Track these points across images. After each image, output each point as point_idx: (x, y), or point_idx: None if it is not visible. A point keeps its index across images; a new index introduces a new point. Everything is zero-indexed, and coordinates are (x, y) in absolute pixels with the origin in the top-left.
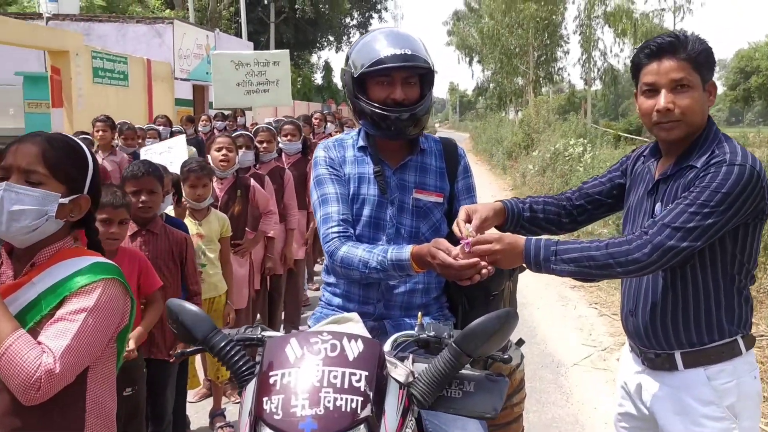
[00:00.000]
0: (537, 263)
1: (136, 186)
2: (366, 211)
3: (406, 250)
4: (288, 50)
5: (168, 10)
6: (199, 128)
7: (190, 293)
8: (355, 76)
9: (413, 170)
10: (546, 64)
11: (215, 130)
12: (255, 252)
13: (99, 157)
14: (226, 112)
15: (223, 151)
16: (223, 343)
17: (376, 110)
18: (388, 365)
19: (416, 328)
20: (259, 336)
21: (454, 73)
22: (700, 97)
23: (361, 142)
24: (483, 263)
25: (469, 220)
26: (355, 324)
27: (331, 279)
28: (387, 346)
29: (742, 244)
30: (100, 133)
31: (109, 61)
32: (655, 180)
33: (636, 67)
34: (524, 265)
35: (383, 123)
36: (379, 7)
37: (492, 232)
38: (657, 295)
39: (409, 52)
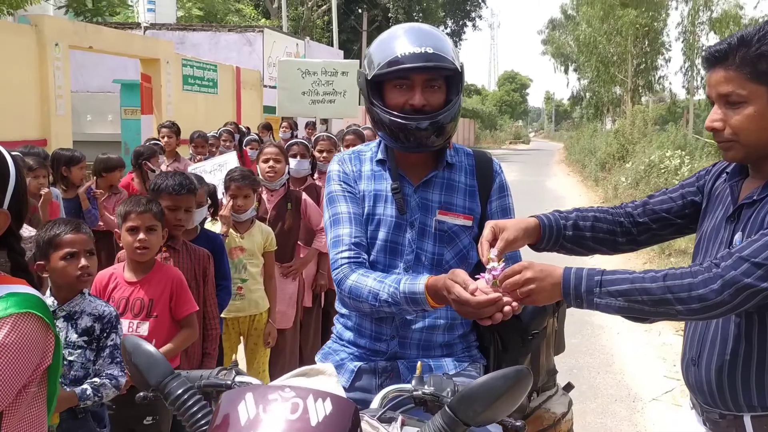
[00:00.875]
0: (578, 297)
1: (174, 202)
2: (381, 234)
3: (421, 282)
4: (358, 60)
5: (264, 20)
6: (280, 135)
7: (207, 316)
8: (369, 78)
9: (438, 188)
10: (646, 72)
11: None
12: (307, 267)
13: (164, 164)
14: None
15: (270, 162)
16: (180, 391)
17: (393, 118)
18: (369, 430)
19: (413, 382)
20: (228, 382)
21: (550, 82)
22: (763, 111)
23: (379, 155)
24: (506, 299)
25: (495, 240)
26: (327, 378)
27: (344, 310)
28: (375, 403)
29: None
30: (165, 139)
31: (199, 68)
32: (738, 204)
33: None
34: (563, 299)
35: (401, 133)
36: (473, 15)
37: (521, 263)
38: (727, 344)
39: (431, 51)
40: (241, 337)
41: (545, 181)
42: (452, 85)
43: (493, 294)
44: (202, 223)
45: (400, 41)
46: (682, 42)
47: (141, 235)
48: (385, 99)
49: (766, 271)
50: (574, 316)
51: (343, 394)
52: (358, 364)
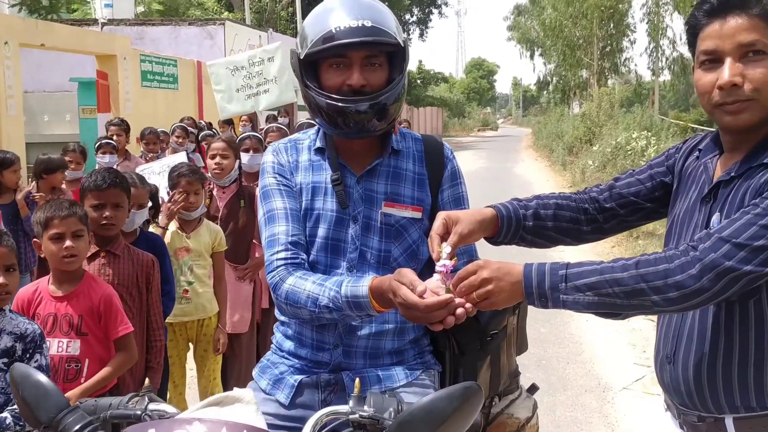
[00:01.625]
0: (542, 295)
1: (98, 199)
2: (321, 231)
3: (364, 284)
4: (280, 42)
5: (226, 12)
6: (240, 129)
7: (151, 326)
8: (301, 57)
9: (383, 177)
10: (611, 54)
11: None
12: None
13: (114, 164)
14: (267, 113)
15: (217, 159)
16: (77, 426)
17: (329, 101)
18: None
19: (350, 402)
20: (138, 413)
21: (518, 68)
22: None
23: (318, 143)
24: (459, 300)
25: (447, 233)
26: (244, 406)
27: (284, 317)
28: (307, 429)
29: None
30: (115, 137)
31: (158, 64)
32: (714, 182)
33: (693, 30)
34: (525, 299)
35: (339, 118)
36: (439, 2)
37: (477, 261)
38: (705, 339)
39: (369, 24)
40: (190, 344)
41: (513, 167)
42: (395, 63)
43: (444, 295)
44: (146, 226)
45: (335, 14)
46: (647, 23)
47: (68, 242)
48: (321, 80)
49: (750, 253)
50: None
51: (262, 423)
52: (299, 377)
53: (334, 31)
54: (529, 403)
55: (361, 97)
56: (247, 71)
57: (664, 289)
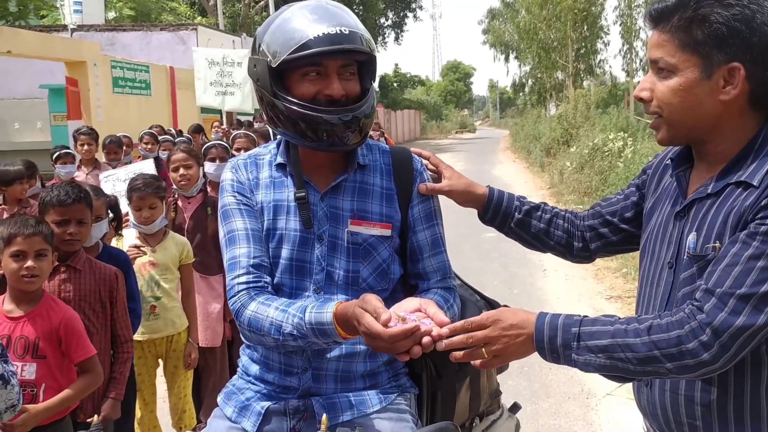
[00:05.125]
0: (553, 351)
1: (62, 215)
2: (285, 252)
3: (329, 310)
4: (248, 50)
5: (199, 18)
6: (212, 135)
7: (119, 340)
8: (274, 66)
9: (349, 193)
10: (586, 56)
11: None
12: None
13: (82, 173)
14: (243, 119)
15: (181, 171)
16: None
17: (308, 113)
18: None
19: None
20: None
21: (494, 70)
22: (689, 85)
23: (279, 158)
24: (425, 328)
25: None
26: None
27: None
28: None
29: None
30: (86, 147)
31: (130, 70)
32: (688, 198)
33: None
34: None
35: (318, 130)
36: (413, 6)
37: (490, 313)
38: None
39: (346, 31)
40: (160, 360)
41: (491, 169)
42: (363, 73)
43: (409, 324)
44: (105, 239)
45: (307, 21)
46: (620, 25)
47: (29, 262)
48: (291, 89)
49: (760, 301)
50: (522, 307)
51: None
52: (267, 404)
53: (312, 38)
54: (511, 423)
55: (341, 108)
56: (220, 68)
57: (679, 357)
